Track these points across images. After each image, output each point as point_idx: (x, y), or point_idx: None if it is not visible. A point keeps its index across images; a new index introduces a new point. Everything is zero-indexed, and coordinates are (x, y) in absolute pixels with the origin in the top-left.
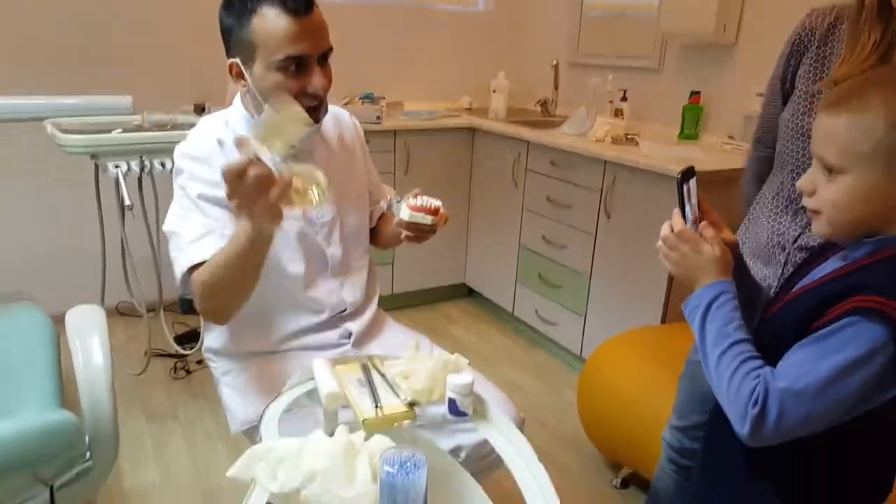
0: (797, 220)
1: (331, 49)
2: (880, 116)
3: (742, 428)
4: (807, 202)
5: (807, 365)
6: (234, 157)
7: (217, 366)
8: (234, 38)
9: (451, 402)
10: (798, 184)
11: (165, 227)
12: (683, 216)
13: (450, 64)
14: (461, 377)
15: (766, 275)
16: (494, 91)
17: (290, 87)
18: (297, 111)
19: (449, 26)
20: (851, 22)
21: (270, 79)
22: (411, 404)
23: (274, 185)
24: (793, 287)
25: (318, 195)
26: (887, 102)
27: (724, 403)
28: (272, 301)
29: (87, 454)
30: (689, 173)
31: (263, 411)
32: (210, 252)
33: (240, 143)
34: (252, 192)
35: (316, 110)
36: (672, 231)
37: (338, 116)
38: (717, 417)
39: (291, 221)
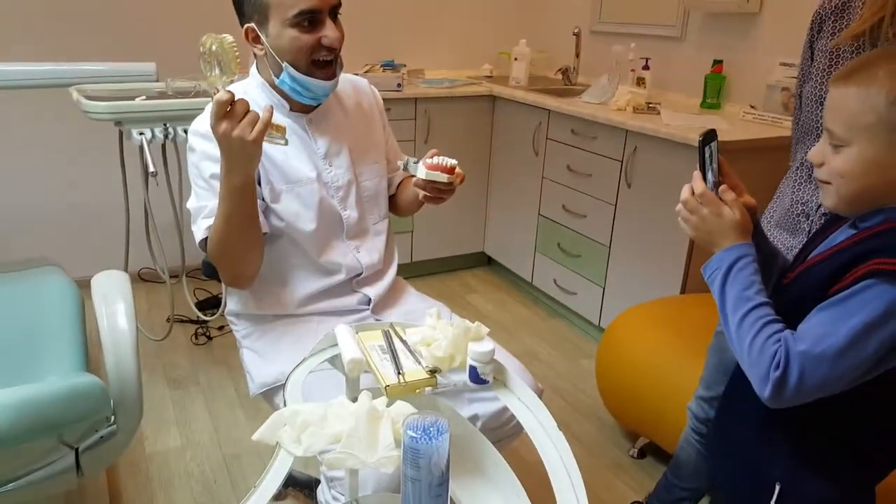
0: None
1: (339, 3)
2: (884, 90)
3: (763, 390)
4: (817, 173)
5: (826, 327)
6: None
7: (238, 328)
8: (247, 2)
9: (472, 370)
10: (808, 155)
11: (188, 205)
12: (704, 179)
13: (471, 32)
14: (482, 345)
15: (791, 245)
16: (516, 59)
17: (306, 41)
18: (229, 40)
19: None
20: None
21: (287, 35)
22: (432, 371)
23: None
24: (808, 256)
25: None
26: (892, 77)
27: (746, 366)
28: (288, 262)
29: (112, 418)
30: (710, 136)
31: (288, 375)
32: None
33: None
34: (241, 125)
35: (331, 64)
36: (693, 194)
37: (356, 84)
38: (735, 381)
39: (307, 185)
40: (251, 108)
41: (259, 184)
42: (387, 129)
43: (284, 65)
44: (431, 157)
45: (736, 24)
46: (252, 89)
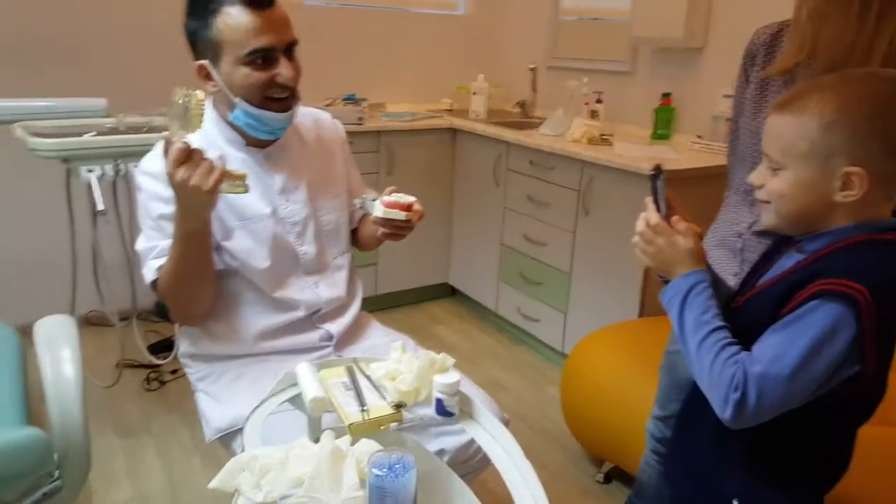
0: (753, 209)
1: (295, 41)
2: (815, 118)
3: (724, 412)
4: (758, 193)
5: (779, 348)
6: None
7: (193, 371)
8: (200, 40)
9: (439, 402)
10: (749, 178)
11: (136, 246)
12: (658, 211)
13: (430, 66)
14: (448, 377)
15: (729, 263)
16: (475, 93)
17: (259, 78)
18: (200, 98)
19: (429, 29)
20: (789, 29)
21: (239, 74)
22: (398, 406)
23: (214, 170)
24: (756, 282)
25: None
26: (822, 105)
27: (706, 388)
28: (242, 298)
29: (56, 473)
30: (658, 171)
31: (247, 418)
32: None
33: (165, 143)
34: (198, 174)
35: (287, 101)
36: (647, 225)
37: (318, 117)
38: (690, 401)
39: (261, 221)
40: (205, 144)
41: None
42: (349, 163)
43: (238, 100)
44: (389, 194)
45: (682, 58)
46: (206, 124)
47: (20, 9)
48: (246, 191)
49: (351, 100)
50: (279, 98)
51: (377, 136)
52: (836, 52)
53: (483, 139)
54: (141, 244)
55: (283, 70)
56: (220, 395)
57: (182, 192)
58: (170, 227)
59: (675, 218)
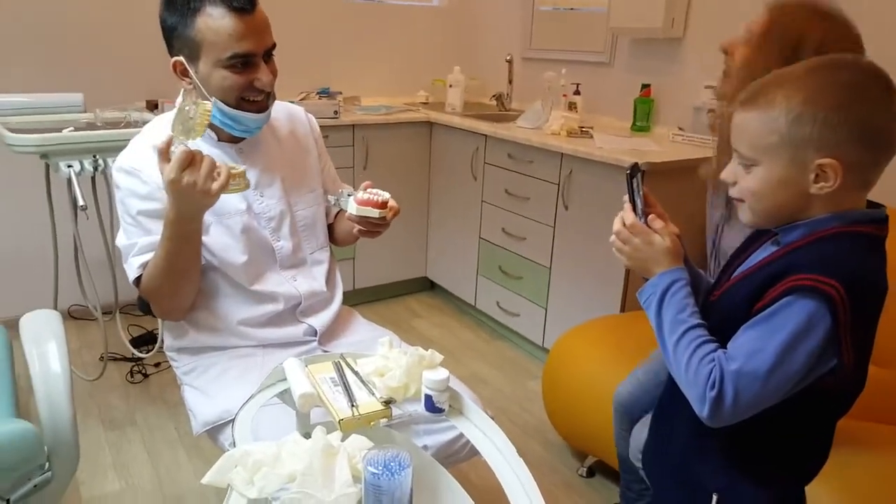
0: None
1: (274, 45)
2: (783, 112)
3: (702, 410)
4: (731, 191)
5: (754, 344)
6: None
7: (179, 365)
8: (178, 37)
9: (428, 399)
10: (722, 175)
11: (117, 243)
12: (634, 210)
13: (406, 59)
14: (437, 373)
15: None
16: (451, 86)
17: (238, 82)
18: (207, 108)
19: (404, 21)
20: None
21: (217, 76)
22: (387, 402)
23: (220, 173)
24: (732, 273)
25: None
26: (789, 98)
27: (683, 386)
28: (221, 292)
29: (46, 465)
30: (635, 169)
31: (237, 413)
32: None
33: (164, 146)
34: (203, 177)
35: (263, 102)
36: (624, 225)
37: (291, 112)
38: (667, 397)
39: (235, 216)
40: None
41: None
42: (324, 157)
43: (213, 100)
44: (364, 190)
45: (662, 48)
46: None
47: None
48: (247, 186)
49: (325, 93)
50: (255, 100)
51: (352, 129)
52: None
53: (460, 132)
54: (121, 241)
55: (261, 75)
56: (207, 389)
57: (186, 196)
58: (149, 224)
59: (651, 216)
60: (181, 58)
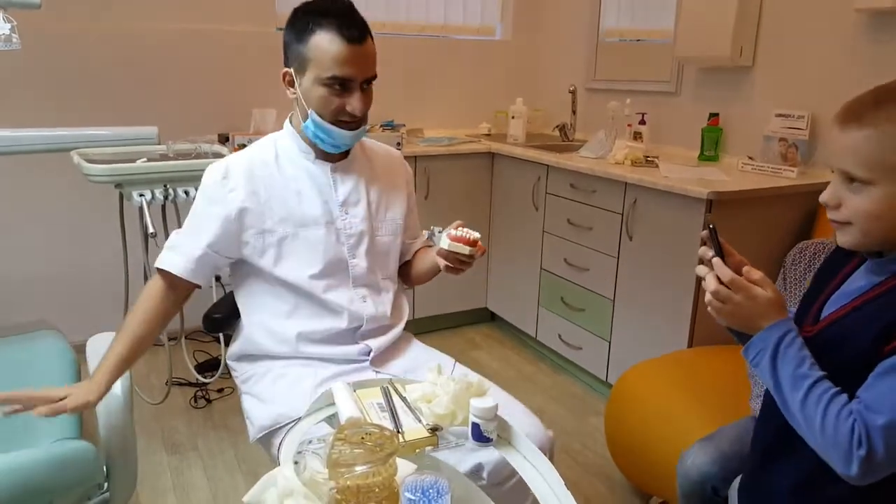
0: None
1: (374, 76)
2: None
3: (849, 470)
4: (833, 215)
5: None
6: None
7: (238, 373)
8: (292, 51)
9: (475, 427)
10: (821, 198)
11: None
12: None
13: (469, 91)
14: (484, 401)
15: None
16: (513, 117)
17: (333, 103)
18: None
19: (468, 55)
20: None
21: (316, 92)
22: (433, 429)
23: None
24: (826, 300)
25: None
26: None
27: (820, 447)
28: (288, 301)
29: (105, 485)
30: (713, 226)
31: (283, 438)
32: (168, 265)
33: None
34: None
35: (355, 125)
36: (719, 282)
37: (391, 153)
38: (768, 447)
39: (316, 228)
40: (280, 153)
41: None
42: (412, 200)
43: (310, 112)
44: (456, 229)
45: (730, 77)
46: (282, 137)
47: (79, 43)
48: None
49: (389, 126)
50: (347, 122)
51: (415, 161)
52: None
53: (521, 162)
54: (175, 232)
55: (353, 102)
56: (262, 395)
57: None
58: (203, 223)
59: (746, 268)
60: (291, 70)
